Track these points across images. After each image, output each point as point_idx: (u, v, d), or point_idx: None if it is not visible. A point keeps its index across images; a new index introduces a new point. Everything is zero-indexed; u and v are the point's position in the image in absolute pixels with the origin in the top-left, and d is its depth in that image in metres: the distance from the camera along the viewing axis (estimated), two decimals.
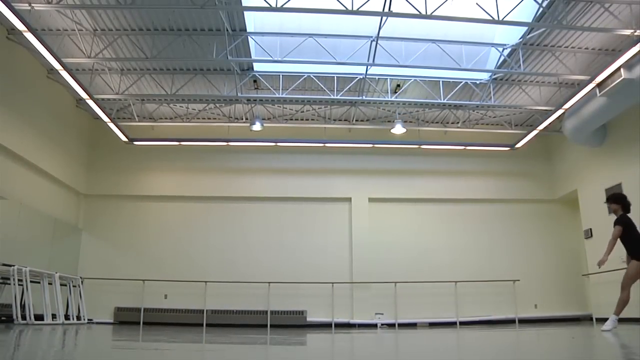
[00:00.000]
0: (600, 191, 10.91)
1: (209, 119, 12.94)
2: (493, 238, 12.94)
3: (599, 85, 9.33)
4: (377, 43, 9.14)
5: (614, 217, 6.57)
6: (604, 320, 6.05)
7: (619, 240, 6.29)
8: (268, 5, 7.75)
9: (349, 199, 12.98)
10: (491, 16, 7.99)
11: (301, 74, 10.75)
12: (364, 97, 11.25)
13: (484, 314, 12.10)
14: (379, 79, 11.21)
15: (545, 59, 10.26)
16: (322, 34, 9.50)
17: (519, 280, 12.32)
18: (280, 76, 11.00)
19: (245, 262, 12.40)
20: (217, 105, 12.22)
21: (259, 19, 9.41)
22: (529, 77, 11.01)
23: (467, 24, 8.62)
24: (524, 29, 9.19)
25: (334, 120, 12.88)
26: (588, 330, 6.74)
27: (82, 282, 10.91)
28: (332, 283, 12.14)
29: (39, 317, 8.39)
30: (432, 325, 11.67)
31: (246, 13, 9.02)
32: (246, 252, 12.51)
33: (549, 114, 11.11)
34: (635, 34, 8.07)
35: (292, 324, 11.74)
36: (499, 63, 10.18)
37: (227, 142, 12.41)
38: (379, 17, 8.31)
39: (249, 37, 9.59)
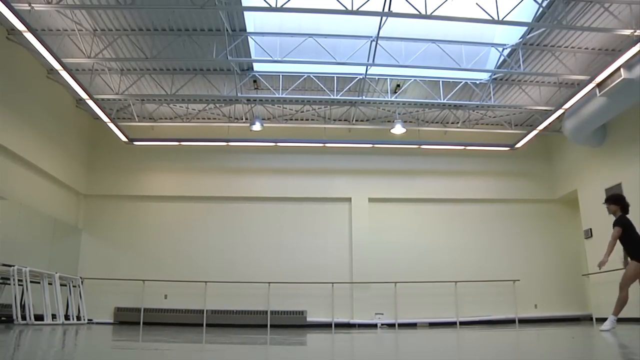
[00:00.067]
0: (600, 191, 10.91)
1: (209, 119, 12.94)
2: (493, 238, 12.94)
3: (598, 85, 9.33)
4: (377, 43, 9.14)
5: (614, 217, 6.57)
6: (604, 320, 6.05)
7: (618, 241, 6.29)
8: (268, 5, 7.75)
9: (348, 199, 12.98)
10: (491, 16, 7.99)
11: (301, 74, 10.75)
12: (363, 97, 11.25)
13: (484, 314, 12.10)
14: (378, 79, 11.21)
15: (545, 59, 10.27)
16: (322, 34, 9.50)
17: (519, 280, 12.32)
18: (280, 76, 11.00)
19: (245, 262, 12.40)
20: (217, 105, 12.22)
21: (259, 19, 9.41)
22: (529, 77, 11.01)
23: (467, 24, 8.62)
24: (524, 29, 9.19)
25: (334, 120, 12.88)
26: (588, 330, 6.74)
27: (82, 282, 10.91)
28: (332, 283, 12.14)
29: (39, 318, 8.39)
30: (432, 325, 11.67)
31: (246, 13, 9.02)
32: (246, 252, 12.51)
33: (548, 114, 11.11)
34: (635, 34, 8.07)
35: (292, 324, 11.74)
36: (498, 63, 10.18)
37: (227, 142, 12.41)
38: (379, 17, 8.31)
39: (248, 37, 9.59)
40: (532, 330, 7.42)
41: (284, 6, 7.74)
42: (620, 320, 6.15)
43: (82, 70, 10.64)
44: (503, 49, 9.85)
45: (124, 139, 12.08)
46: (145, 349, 3.67)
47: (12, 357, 2.68)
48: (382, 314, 12.08)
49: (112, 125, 11.44)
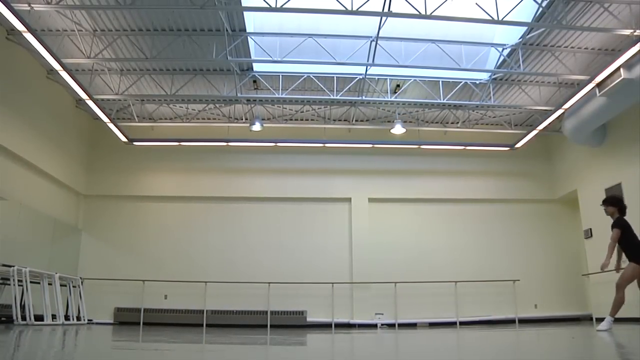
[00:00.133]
0: (600, 191, 10.91)
1: (209, 119, 12.94)
2: (493, 238, 12.94)
3: (598, 85, 9.33)
4: (376, 43, 9.14)
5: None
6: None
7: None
8: (268, 6, 7.75)
9: (348, 199, 12.98)
10: (491, 16, 7.99)
11: (301, 74, 10.75)
12: (363, 97, 11.25)
13: (484, 314, 12.10)
14: (378, 79, 11.21)
15: (545, 59, 10.27)
16: (322, 34, 9.50)
17: (519, 280, 12.32)
18: (280, 76, 11.00)
19: (245, 262, 12.40)
20: (217, 105, 12.22)
21: (259, 19, 9.41)
22: (529, 77, 11.01)
23: (467, 24, 8.62)
24: (524, 29, 9.19)
25: (334, 120, 12.88)
26: (588, 330, 6.74)
27: (82, 282, 10.91)
28: (332, 283, 12.14)
29: (39, 318, 8.38)
30: (432, 325, 11.67)
31: (246, 13, 9.02)
32: (246, 252, 12.51)
33: (548, 114, 11.11)
34: (635, 33, 8.07)
35: (292, 324, 11.74)
36: (498, 63, 10.18)
37: (226, 142, 12.41)
38: (379, 17, 8.32)
39: (248, 37, 9.59)
40: (532, 330, 7.42)
41: (284, 6, 7.74)
42: (619, 320, 6.16)
43: (81, 70, 10.64)
44: (503, 49, 9.85)
45: (123, 139, 12.08)
46: (145, 349, 3.67)
47: (12, 357, 2.68)
48: (382, 314, 12.08)
49: (112, 126, 11.44)
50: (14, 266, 8.08)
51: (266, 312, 11.92)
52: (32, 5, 7.84)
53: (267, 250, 12.52)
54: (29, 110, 9.87)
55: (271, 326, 11.41)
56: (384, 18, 8.32)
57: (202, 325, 11.38)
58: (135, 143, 12.37)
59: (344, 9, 7.74)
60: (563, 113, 10.87)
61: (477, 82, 11.15)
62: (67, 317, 9.75)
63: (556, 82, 11.24)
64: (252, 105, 12.28)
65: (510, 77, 11.05)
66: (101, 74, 10.87)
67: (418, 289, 12.26)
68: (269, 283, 12.01)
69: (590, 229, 11.56)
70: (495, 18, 8.01)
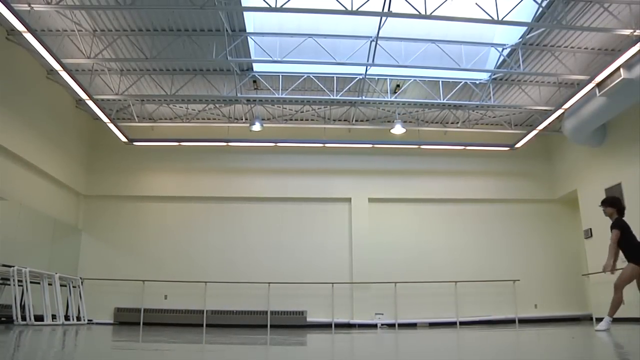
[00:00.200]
0: (600, 191, 10.91)
1: (209, 119, 12.94)
2: (493, 238, 12.94)
3: (598, 85, 9.33)
4: (376, 43, 9.14)
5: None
6: None
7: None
8: (268, 6, 7.75)
9: (348, 199, 12.98)
10: (491, 16, 7.99)
11: (301, 74, 10.75)
12: (363, 98, 11.25)
13: (484, 314, 12.10)
14: (378, 79, 11.21)
15: (544, 59, 10.27)
16: (322, 34, 9.50)
17: (519, 280, 12.32)
18: (280, 76, 11.00)
19: (245, 262, 12.40)
20: (217, 105, 12.22)
21: (259, 20, 9.41)
22: (529, 77, 11.01)
23: (467, 24, 8.62)
24: (524, 29, 9.19)
25: (334, 120, 12.88)
26: (588, 330, 6.74)
27: (82, 282, 10.91)
28: (332, 283, 12.14)
29: (39, 318, 8.38)
30: (432, 325, 11.67)
31: (246, 13, 9.02)
32: (246, 252, 12.51)
33: (548, 114, 11.11)
34: (635, 33, 8.07)
35: (292, 324, 11.74)
36: (498, 63, 10.18)
37: (226, 142, 12.41)
38: (379, 17, 8.32)
39: (248, 37, 9.59)
40: (532, 330, 7.42)
41: (284, 6, 7.74)
42: (618, 320, 6.16)
43: (81, 70, 10.64)
44: (503, 49, 9.85)
45: (123, 139, 12.08)
46: (146, 349, 3.67)
47: (12, 357, 2.68)
48: (382, 314, 12.08)
49: (111, 126, 11.44)
50: (14, 266, 8.08)
51: (266, 312, 11.92)
52: (32, 6, 7.84)
53: (267, 250, 12.52)
54: (29, 111, 9.87)
55: (271, 326, 11.42)
56: (383, 18, 8.32)
57: (202, 325, 11.38)
58: (135, 143, 12.37)
59: (343, 9, 7.74)
60: (563, 113, 10.87)
61: (477, 82, 11.15)
62: (67, 317, 9.75)
63: (556, 82, 11.24)
64: (252, 106, 12.28)
65: (510, 77, 11.05)
66: (101, 74, 10.87)
67: (418, 289, 12.26)
68: (269, 283, 12.01)
69: (590, 229, 11.56)
70: (495, 18, 8.01)
